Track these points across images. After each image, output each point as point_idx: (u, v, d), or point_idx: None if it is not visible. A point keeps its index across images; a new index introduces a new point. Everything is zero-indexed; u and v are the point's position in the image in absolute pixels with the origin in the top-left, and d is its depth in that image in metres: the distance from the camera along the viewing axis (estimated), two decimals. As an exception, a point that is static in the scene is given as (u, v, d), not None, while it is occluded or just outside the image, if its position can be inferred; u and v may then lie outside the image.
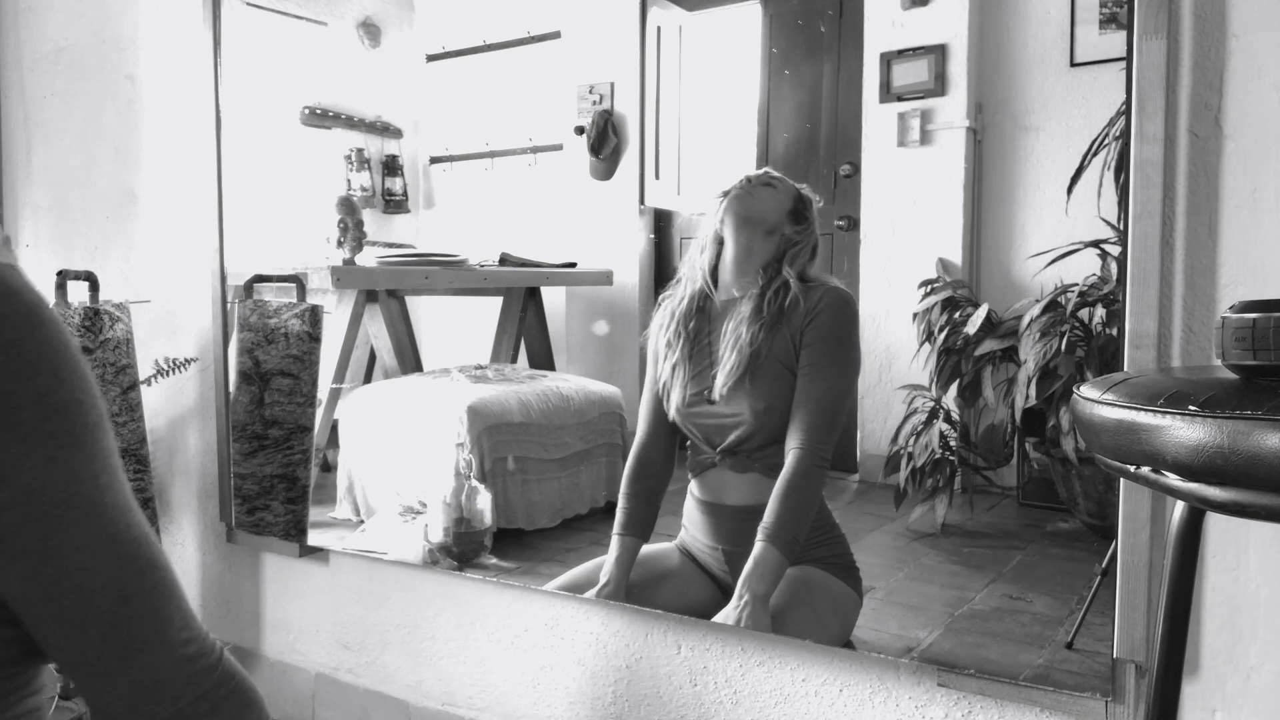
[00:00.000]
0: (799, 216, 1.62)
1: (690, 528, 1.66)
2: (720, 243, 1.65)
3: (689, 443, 1.67)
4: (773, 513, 1.49)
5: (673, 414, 1.66)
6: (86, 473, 0.60)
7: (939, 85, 1.77)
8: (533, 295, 2.37)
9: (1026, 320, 1.58)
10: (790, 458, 1.51)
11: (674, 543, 1.69)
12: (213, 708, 0.67)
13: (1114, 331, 1.41)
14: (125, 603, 0.63)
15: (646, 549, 1.72)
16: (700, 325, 1.65)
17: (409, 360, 2.38)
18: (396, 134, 2.65)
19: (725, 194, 1.65)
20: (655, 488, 1.69)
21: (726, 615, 1.50)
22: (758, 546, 1.49)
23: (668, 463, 1.68)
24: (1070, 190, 1.54)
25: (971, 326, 1.67)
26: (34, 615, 0.61)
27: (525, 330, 2.37)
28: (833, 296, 1.57)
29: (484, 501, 1.95)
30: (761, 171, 1.67)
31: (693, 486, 1.66)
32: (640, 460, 1.69)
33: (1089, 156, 1.50)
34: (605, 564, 1.65)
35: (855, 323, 1.62)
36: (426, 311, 2.46)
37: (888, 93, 1.82)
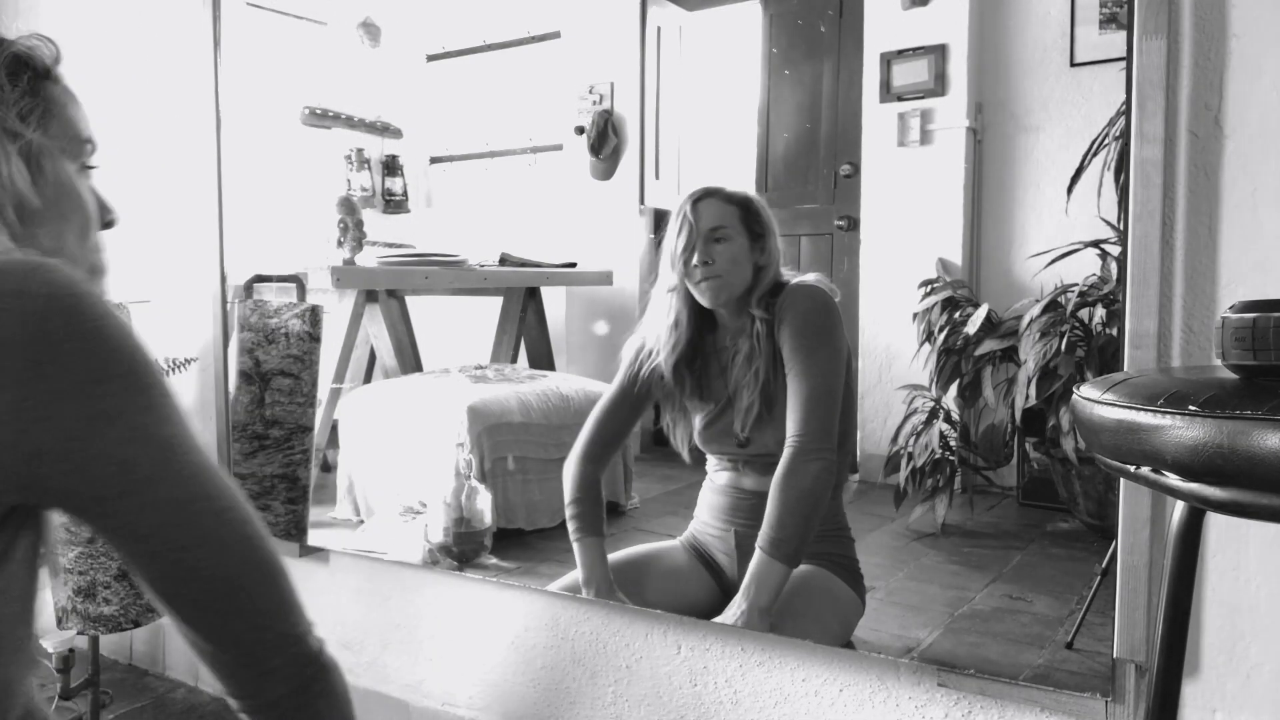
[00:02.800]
0: (754, 234, 1.53)
1: (702, 514, 1.65)
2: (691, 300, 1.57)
3: (707, 452, 1.64)
4: (770, 518, 1.44)
5: (693, 442, 1.63)
6: (176, 416, 0.69)
7: (939, 85, 1.77)
8: (533, 295, 2.37)
9: (1026, 320, 1.58)
10: (784, 453, 1.47)
11: (678, 540, 1.68)
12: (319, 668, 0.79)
13: (1114, 331, 1.41)
14: (238, 532, 0.71)
15: (649, 546, 1.71)
16: (705, 363, 1.59)
17: (409, 360, 2.38)
18: (396, 134, 2.66)
19: (685, 270, 1.52)
20: (597, 477, 1.66)
21: (725, 619, 1.49)
22: (756, 557, 1.45)
23: (607, 461, 1.67)
24: (1070, 190, 1.54)
25: (971, 326, 1.67)
26: (166, 539, 0.68)
27: (525, 330, 2.38)
28: (795, 297, 1.50)
29: (484, 501, 1.95)
30: (710, 222, 1.51)
31: (711, 478, 1.65)
32: (584, 461, 1.64)
33: (1089, 156, 1.50)
34: (580, 573, 1.61)
35: (825, 313, 1.51)
36: (426, 311, 2.46)
37: (888, 93, 1.82)
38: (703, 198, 1.53)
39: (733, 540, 1.59)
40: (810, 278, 1.54)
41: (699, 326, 1.58)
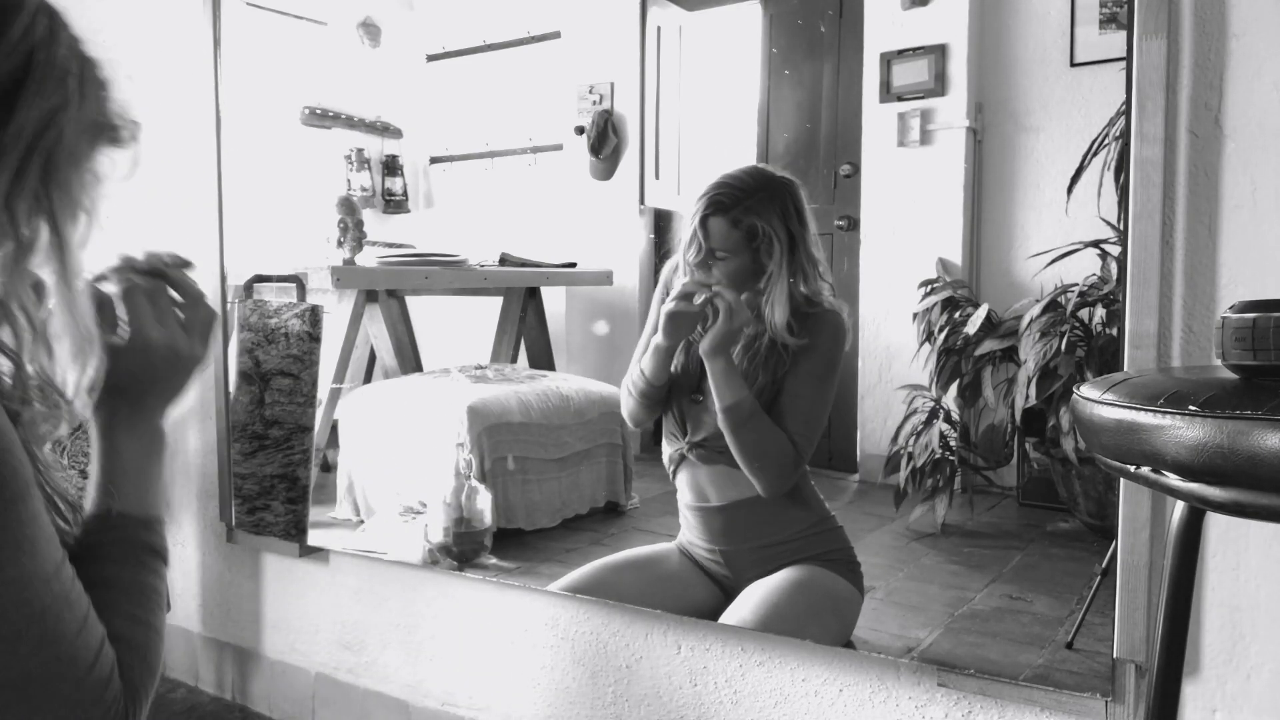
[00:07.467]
0: (756, 258, 1.55)
1: (687, 531, 1.66)
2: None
3: (664, 430, 1.66)
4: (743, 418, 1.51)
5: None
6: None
7: (939, 85, 1.77)
8: (533, 295, 2.37)
9: (1026, 320, 1.58)
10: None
11: (673, 543, 1.69)
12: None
13: (1114, 331, 1.41)
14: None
15: (646, 550, 1.72)
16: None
17: (409, 360, 2.38)
18: (396, 134, 2.65)
19: (689, 263, 1.57)
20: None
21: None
22: (716, 371, 1.51)
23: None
24: (1070, 190, 1.54)
25: (971, 326, 1.67)
26: None
27: (525, 330, 2.37)
28: (830, 327, 1.56)
29: (484, 501, 1.95)
30: (714, 243, 1.54)
31: (679, 491, 1.66)
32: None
33: (1089, 156, 1.50)
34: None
35: (845, 345, 1.62)
36: (426, 311, 2.46)
37: (888, 93, 1.82)
38: (713, 214, 1.54)
39: (721, 559, 1.61)
40: (843, 309, 1.61)
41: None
